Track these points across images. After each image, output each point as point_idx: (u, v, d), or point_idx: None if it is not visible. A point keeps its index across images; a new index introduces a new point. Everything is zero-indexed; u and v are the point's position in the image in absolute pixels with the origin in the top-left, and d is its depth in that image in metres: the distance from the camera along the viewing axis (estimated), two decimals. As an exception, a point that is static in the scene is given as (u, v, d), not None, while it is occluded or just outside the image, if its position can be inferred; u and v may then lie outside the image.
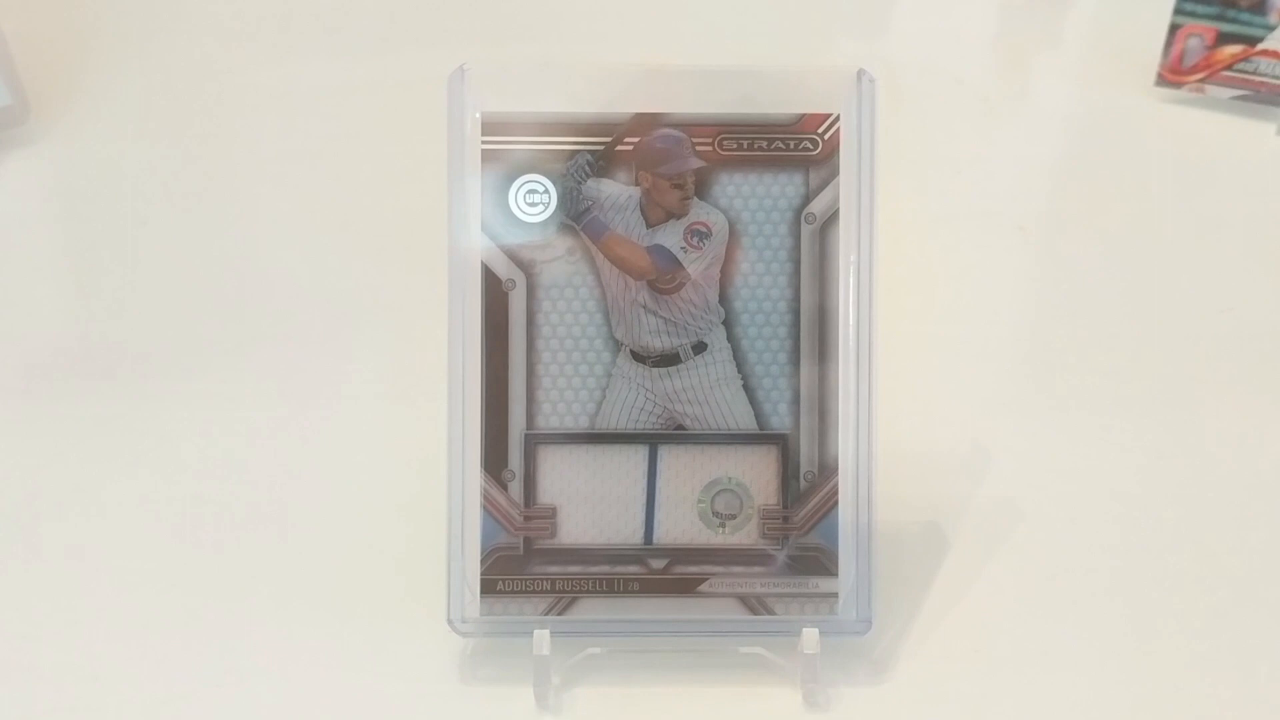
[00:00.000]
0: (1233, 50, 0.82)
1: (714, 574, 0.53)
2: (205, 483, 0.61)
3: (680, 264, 0.53)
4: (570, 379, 0.53)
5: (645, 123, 0.52)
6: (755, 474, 0.53)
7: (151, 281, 0.70)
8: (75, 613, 0.56)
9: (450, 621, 0.52)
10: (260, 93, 0.76)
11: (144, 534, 0.59)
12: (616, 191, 0.53)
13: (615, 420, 0.53)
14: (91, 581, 0.57)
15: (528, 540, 0.53)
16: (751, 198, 0.53)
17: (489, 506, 0.53)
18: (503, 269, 0.53)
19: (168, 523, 0.59)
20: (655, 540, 0.53)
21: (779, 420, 0.53)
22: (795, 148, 0.53)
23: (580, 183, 0.53)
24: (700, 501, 0.53)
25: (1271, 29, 0.81)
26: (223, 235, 0.71)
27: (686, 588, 0.53)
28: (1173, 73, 0.83)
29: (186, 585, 0.57)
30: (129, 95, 0.78)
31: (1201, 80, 0.83)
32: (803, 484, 0.53)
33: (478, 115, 0.52)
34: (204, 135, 0.75)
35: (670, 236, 0.53)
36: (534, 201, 0.53)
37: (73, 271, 0.72)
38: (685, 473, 0.53)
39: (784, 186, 0.53)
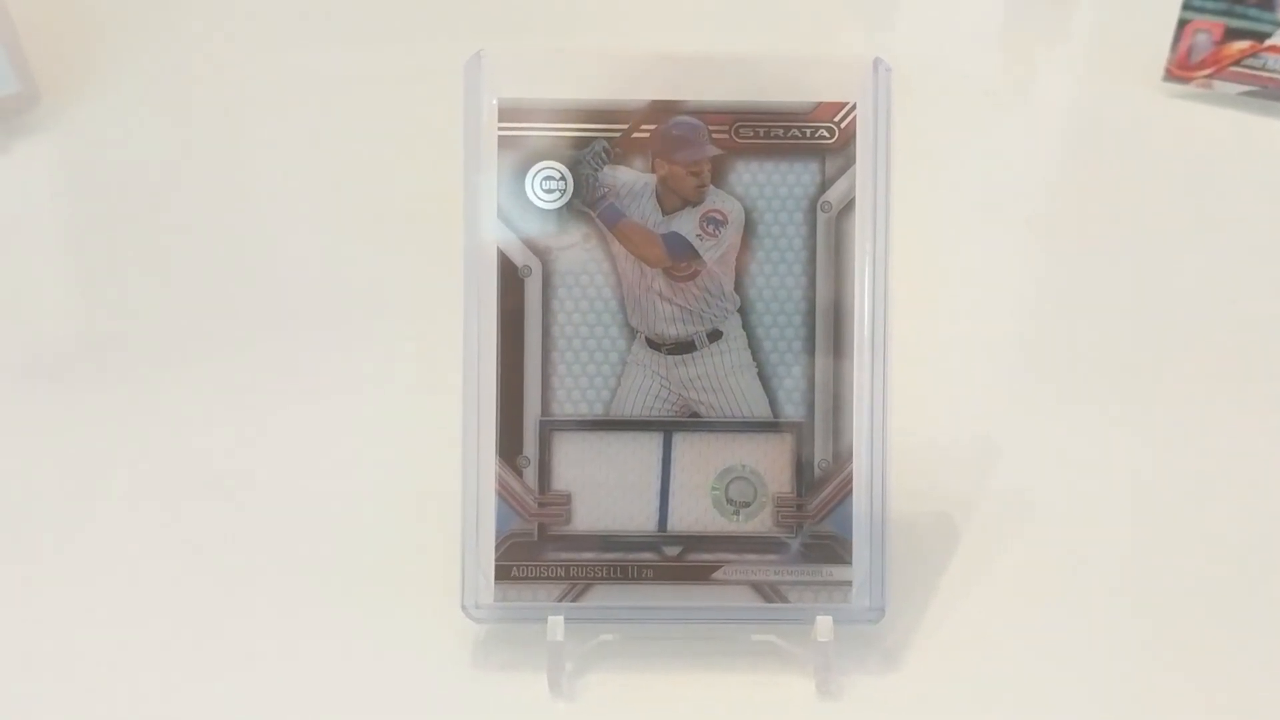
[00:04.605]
0: (1240, 45, 0.82)
1: (728, 561, 0.53)
2: (220, 469, 0.60)
3: (695, 251, 0.53)
4: (585, 366, 0.53)
5: (662, 110, 0.52)
6: (769, 462, 0.53)
7: (163, 269, 0.69)
8: (87, 597, 0.56)
9: (464, 607, 0.53)
10: (273, 78, 0.76)
11: (160, 520, 0.59)
12: (632, 178, 0.53)
13: (630, 407, 0.53)
14: (104, 566, 0.57)
15: (542, 526, 0.53)
16: (767, 186, 0.53)
17: (504, 493, 0.53)
18: (518, 256, 0.53)
19: (184, 508, 0.59)
20: (669, 527, 0.53)
21: (793, 408, 0.53)
22: (811, 136, 0.53)
23: (596, 170, 0.52)
24: (714, 489, 0.53)
25: None
26: (236, 222, 0.71)
27: (700, 575, 0.53)
28: (1180, 68, 0.83)
29: (201, 569, 0.57)
30: (139, 81, 0.77)
31: (1209, 76, 0.83)
32: (817, 472, 0.53)
33: (494, 101, 0.52)
34: (216, 121, 0.75)
35: (686, 224, 0.53)
36: (550, 188, 0.53)
37: (82, 259, 0.72)
38: (699, 460, 0.53)
39: (799, 175, 0.53)
